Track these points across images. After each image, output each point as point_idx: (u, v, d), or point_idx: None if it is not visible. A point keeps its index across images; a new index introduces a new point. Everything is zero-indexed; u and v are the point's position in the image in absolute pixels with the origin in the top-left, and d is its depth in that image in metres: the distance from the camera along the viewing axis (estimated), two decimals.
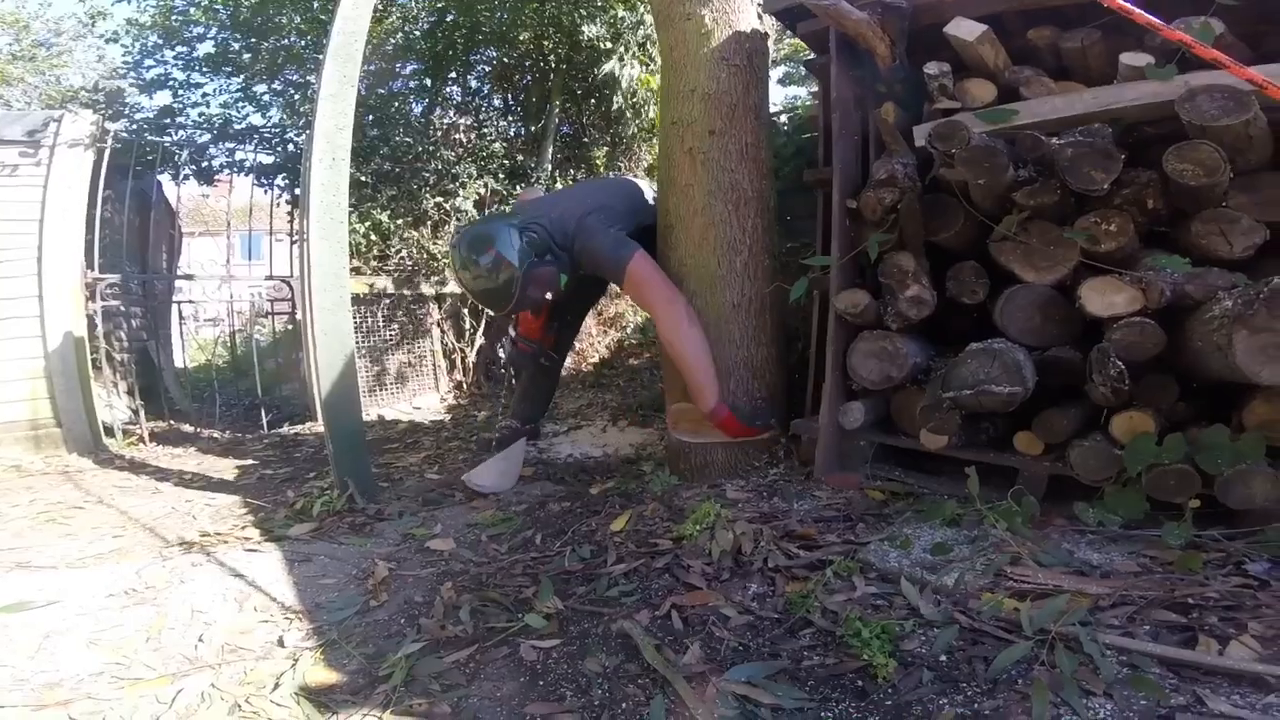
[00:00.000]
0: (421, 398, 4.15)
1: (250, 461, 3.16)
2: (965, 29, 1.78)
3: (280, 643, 1.23)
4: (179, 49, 4.98)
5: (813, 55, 2.54)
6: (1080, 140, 1.49)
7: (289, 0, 4.40)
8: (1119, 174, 1.48)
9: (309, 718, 1.00)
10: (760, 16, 2.31)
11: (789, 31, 2.46)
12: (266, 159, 5.07)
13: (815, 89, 3.01)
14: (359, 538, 1.80)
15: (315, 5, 4.44)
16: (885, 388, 1.71)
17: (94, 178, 3.58)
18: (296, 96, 4.98)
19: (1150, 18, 1.32)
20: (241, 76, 5.00)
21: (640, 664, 1.08)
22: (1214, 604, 1.12)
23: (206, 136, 5.08)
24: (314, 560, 1.64)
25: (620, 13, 4.38)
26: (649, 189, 2.50)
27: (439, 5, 4.74)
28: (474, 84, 5.30)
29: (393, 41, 4.84)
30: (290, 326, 4.32)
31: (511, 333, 2.62)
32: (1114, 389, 1.34)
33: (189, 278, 4.02)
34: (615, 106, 4.41)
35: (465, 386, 4.28)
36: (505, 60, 4.94)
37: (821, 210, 2.16)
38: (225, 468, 3.04)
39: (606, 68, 4.21)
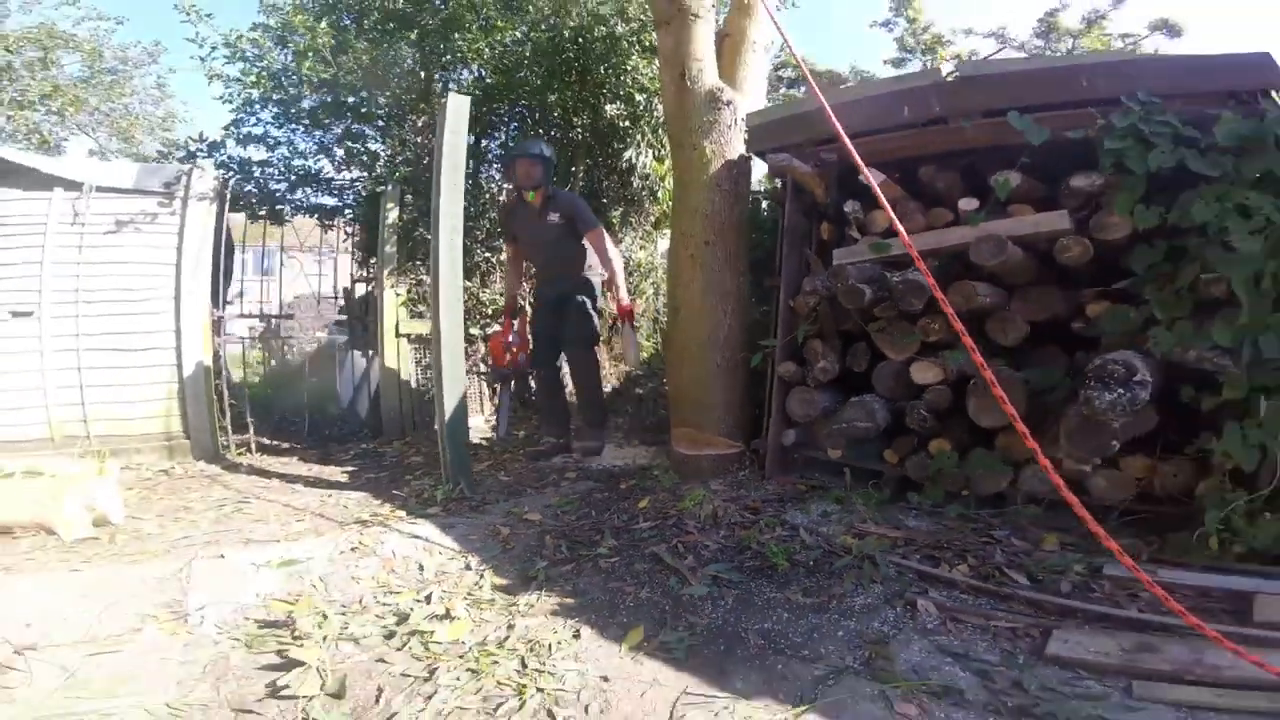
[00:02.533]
0: (469, 420, 5.12)
1: (350, 468, 3.93)
2: (874, 177, 2.68)
3: (467, 567, 2.26)
4: (275, 110, 5.58)
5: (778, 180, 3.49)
6: (907, 279, 2.41)
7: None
8: (929, 298, 2.44)
9: (505, 599, 2.00)
10: (745, 142, 3.21)
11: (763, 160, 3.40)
12: (329, 200, 5.87)
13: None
14: (477, 514, 2.82)
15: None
16: (808, 421, 2.77)
17: (216, 226, 4.31)
18: (361, 150, 5.79)
19: (892, 217, 2.09)
20: (321, 134, 5.79)
21: (664, 565, 2.14)
22: (957, 548, 2.14)
23: (284, 185, 5.88)
24: (456, 527, 2.65)
25: (637, 97, 5.32)
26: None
27: (488, 81, 5.58)
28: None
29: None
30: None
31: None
32: (920, 428, 2.40)
33: (289, 317, 4.99)
34: (634, 187, 5.43)
35: None
36: (539, 130, 5.87)
37: (775, 302, 3.19)
38: (333, 473, 3.80)
39: (627, 154, 5.22)
